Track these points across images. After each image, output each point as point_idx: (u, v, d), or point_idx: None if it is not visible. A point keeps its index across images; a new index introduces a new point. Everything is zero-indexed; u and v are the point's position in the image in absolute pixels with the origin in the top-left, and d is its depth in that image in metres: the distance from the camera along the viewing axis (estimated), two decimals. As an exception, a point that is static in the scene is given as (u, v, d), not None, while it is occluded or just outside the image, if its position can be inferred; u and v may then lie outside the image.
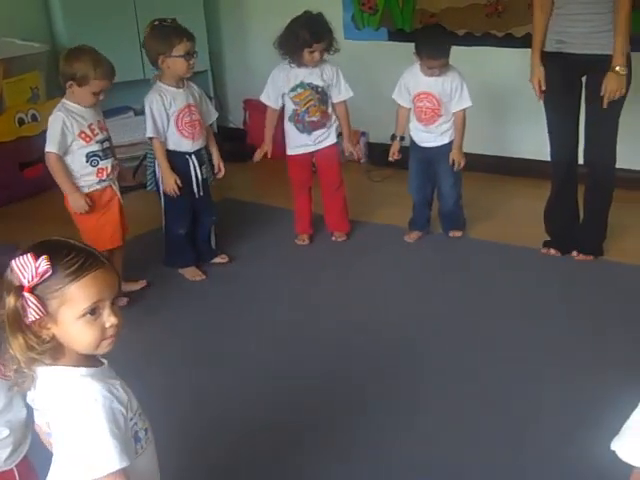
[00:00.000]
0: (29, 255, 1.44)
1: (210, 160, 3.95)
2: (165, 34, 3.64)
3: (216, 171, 3.96)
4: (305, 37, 3.89)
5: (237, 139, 5.89)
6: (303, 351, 3.23)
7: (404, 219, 4.32)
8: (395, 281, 3.85)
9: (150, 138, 3.73)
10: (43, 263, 1.43)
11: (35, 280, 1.43)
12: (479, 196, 4.62)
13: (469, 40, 5.01)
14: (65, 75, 3.43)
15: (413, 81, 4.07)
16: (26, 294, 1.43)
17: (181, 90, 3.73)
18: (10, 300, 1.45)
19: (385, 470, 2.52)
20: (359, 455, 2.59)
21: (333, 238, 4.33)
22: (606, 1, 3.48)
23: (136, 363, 2.86)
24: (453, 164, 4.08)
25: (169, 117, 3.70)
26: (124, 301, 3.41)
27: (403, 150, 4.23)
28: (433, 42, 3.96)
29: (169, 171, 3.71)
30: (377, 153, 5.51)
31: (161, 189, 3.80)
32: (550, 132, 3.82)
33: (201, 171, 3.83)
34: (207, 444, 2.65)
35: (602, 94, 3.52)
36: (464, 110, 4.07)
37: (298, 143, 4.15)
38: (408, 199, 4.30)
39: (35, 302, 1.43)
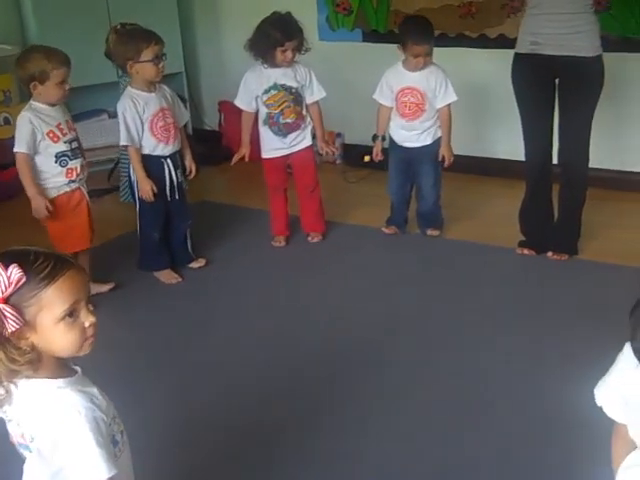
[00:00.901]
0: None
1: (183, 163, 3.94)
2: (131, 39, 3.61)
3: (187, 172, 3.93)
4: (276, 36, 3.88)
5: (212, 141, 5.88)
6: (280, 352, 3.23)
7: (380, 220, 4.33)
8: (371, 281, 3.85)
9: (125, 146, 3.71)
10: (15, 271, 1.41)
11: (9, 290, 1.41)
12: (456, 196, 4.63)
13: (443, 41, 5.01)
14: (24, 79, 3.42)
15: (396, 78, 4.09)
16: (1, 305, 1.40)
17: (153, 94, 3.70)
18: None
19: (358, 471, 2.52)
20: (328, 455, 2.58)
21: (309, 239, 4.33)
22: (579, 0, 3.50)
23: (108, 367, 2.85)
24: (440, 162, 4.10)
25: (143, 122, 3.67)
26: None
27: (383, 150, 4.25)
28: (418, 28, 3.98)
29: (145, 178, 3.68)
30: (352, 154, 5.52)
31: (136, 193, 3.78)
32: (524, 132, 3.84)
33: (176, 175, 3.81)
34: (181, 445, 2.64)
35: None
36: (449, 106, 4.07)
37: (273, 146, 4.14)
38: (383, 199, 4.30)
39: (12, 312, 1.41)
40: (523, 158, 3.93)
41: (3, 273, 1.40)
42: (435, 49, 5.07)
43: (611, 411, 1.61)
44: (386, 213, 4.32)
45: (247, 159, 4.15)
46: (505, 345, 3.21)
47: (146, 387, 2.99)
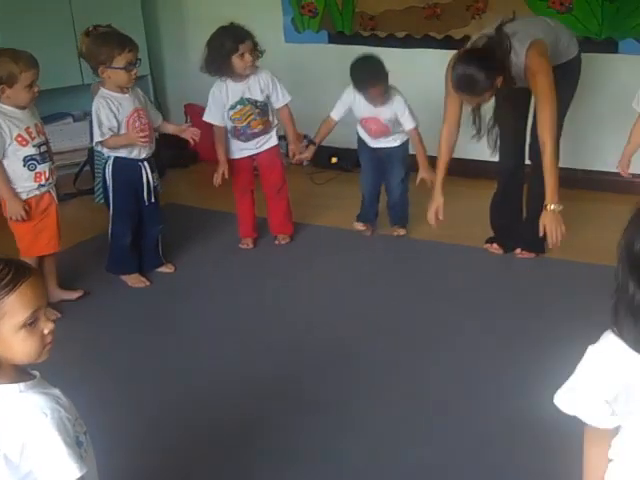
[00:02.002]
0: None
1: (158, 167, 3.92)
2: (105, 43, 3.57)
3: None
4: (228, 43, 3.85)
5: (179, 144, 5.82)
6: (249, 355, 3.22)
7: (348, 221, 4.34)
8: (340, 282, 3.85)
9: (99, 142, 3.64)
10: None
11: None
12: (423, 197, 4.64)
13: (408, 42, 5.05)
14: None
15: (358, 108, 4.10)
16: None
17: (127, 95, 3.67)
18: None
19: (332, 471, 2.52)
20: (294, 456, 2.58)
21: (277, 241, 4.32)
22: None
23: (72, 371, 2.83)
24: (403, 165, 4.15)
25: (119, 122, 3.64)
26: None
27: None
28: (369, 72, 3.98)
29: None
30: (320, 156, 5.52)
31: (110, 196, 3.74)
32: (500, 133, 3.86)
33: (152, 178, 3.79)
34: (149, 447, 2.63)
35: (541, 233, 3.53)
36: (416, 128, 4.10)
37: (239, 147, 4.14)
38: (351, 201, 4.31)
39: None
40: (489, 158, 3.95)
41: None
42: (400, 50, 5.10)
43: (591, 417, 1.52)
44: (354, 214, 4.33)
45: (227, 176, 4.11)
46: (474, 345, 3.23)
47: (114, 391, 2.97)
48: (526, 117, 3.77)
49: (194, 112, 5.79)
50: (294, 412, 2.81)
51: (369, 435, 2.68)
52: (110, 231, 3.84)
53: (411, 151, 4.29)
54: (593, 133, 4.80)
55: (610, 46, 4.56)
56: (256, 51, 3.94)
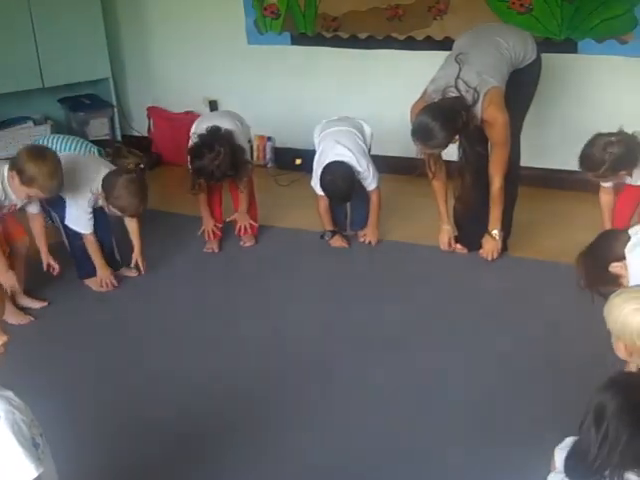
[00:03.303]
0: None
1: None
2: None
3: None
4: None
5: (142, 147, 5.79)
6: (216, 359, 3.20)
7: (312, 222, 4.33)
8: (306, 284, 3.85)
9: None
10: None
11: None
12: (390, 198, 4.66)
13: (371, 43, 5.06)
14: None
15: (323, 157, 4.13)
16: None
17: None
18: None
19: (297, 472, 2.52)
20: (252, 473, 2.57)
21: (241, 243, 4.31)
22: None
23: (33, 376, 2.81)
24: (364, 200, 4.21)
25: None
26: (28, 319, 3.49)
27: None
28: (340, 194, 4.10)
29: (104, 266, 3.75)
30: (284, 157, 5.52)
31: (53, 215, 3.73)
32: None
33: None
34: (111, 452, 2.61)
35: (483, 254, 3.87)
36: (377, 191, 4.19)
37: None
38: (314, 202, 4.30)
39: None
40: (454, 158, 3.97)
41: None
42: (363, 51, 5.11)
43: None
44: (318, 215, 4.32)
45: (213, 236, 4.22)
46: (441, 344, 3.25)
47: (77, 395, 2.94)
48: None
49: (157, 115, 5.77)
50: (256, 416, 2.81)
51: (332, 435, 2.69)
52: (66, 241, 3.84)
53: (403, 154, 4.27)
54: (554, 132, 4.85)
55: (570, 46, 4.61)
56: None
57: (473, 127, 3.55)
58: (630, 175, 3.41)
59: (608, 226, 3.50)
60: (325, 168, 4.05)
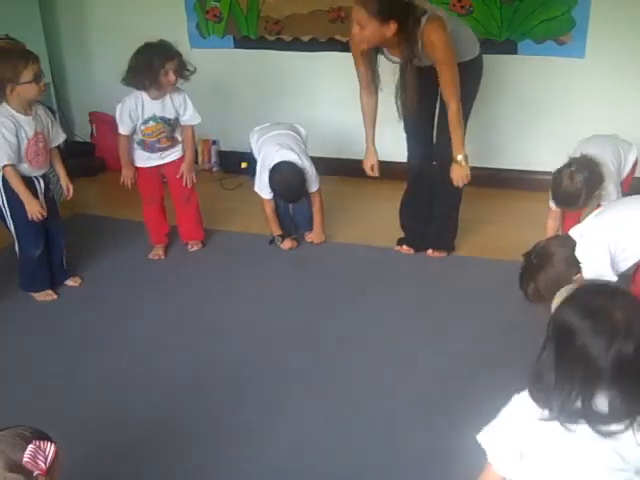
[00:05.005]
0: None
1: (58, 180, 3.81)
2: (8, 60, 3.42)
3: (65, 193, 3.81)
4: (156, 59, 3.79)
5: (85, 153, 5.73)
6: (160, 368, 3.16)
7: (259, 226, 4.32)
8: (254, 288, 3.83)
9: (4, 166, 3.50)
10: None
11: None
12: (339, 199, 4.68)
13: (314, 46, 5.07)
14: None
15: (269, 160, 4.11)
16: None
17: (30, 117, 3.53)
18: None
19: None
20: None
21: (189, 247, 4.28)
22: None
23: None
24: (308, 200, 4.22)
25: (20, 145, 3.51)
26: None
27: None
28: (287, 192, 4.10)
29: (32, 199, 3.54)
30: (229, 161, 5.50)
31: (7, 217, 3.63)
32: (407, 133, 3.92)
33: (48, 191, 3.69)
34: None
35: (454, 183, 3.71)
36: (317, 192, 4.18)
37: (144, 156, 4.07)
38: (261, 206, 4.29)
39: None
40: (404, 159, 4.00)
41: None
42: (306, 54, 5.13)
43: (500, 465, 1.64)
44: (264, 219, 4.31)
45: (134, 180, 4.07)
46: (389, 344, 3.26)
47: (16, 407, 2.86)
48: (432, 119, 3.82)
49: (100, 120, 5.70)
50: (200, 426, 2.78)
51: (275, 444, 2.69)
52: (18, 250, 3.72)
53: (344, 156, 4.30)
54: (496, 132, 4.92)
55: (510, 47, 4.68)
56: (184, 70, 3.90)
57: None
58: (602, 190, 3.45)
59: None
60: (274, 168, 4.05)
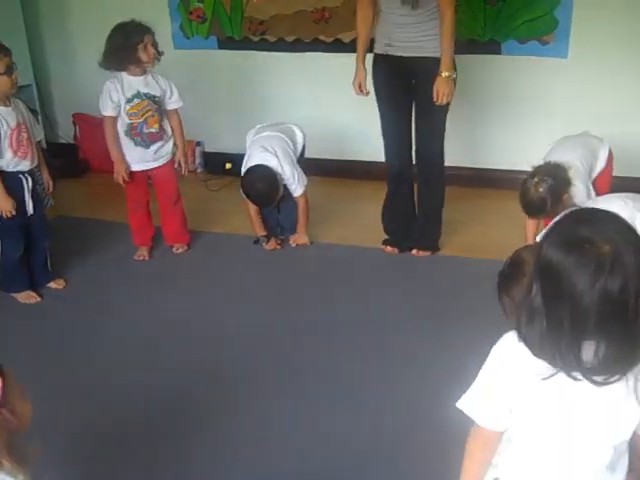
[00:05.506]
0: None
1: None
2: None
3: (52, 201, 3.79)
4: (132, 35, 3.81)
5: (68, 154, 5.70)
6: (140, 374, 3.14)
7: (244, 227, 4.32)
8: (240, 289, 3.82)
9: None
10: None
11: None
12: (322, 200, 4.68)
13: (298, 46, 5.07)
14: None
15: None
16: None
17: (10, 108, 3.52)
18: None
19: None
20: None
21: (174, 250, 4.26)
22: (427, 11, 3.59)
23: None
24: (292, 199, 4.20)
25: (2, 138, 3.49)
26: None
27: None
28: (258, 196, 4.09)
29: (5, 195, 3.52)
30: (213, 162, 5.49)
31: None
32: (384, 134, 3.92)
33: (35, 191, 3.66)
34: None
35: (434, 98, 3.65)
36: (304, 195, 4.18)
37: (135, 159, 4.03)
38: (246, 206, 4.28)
39: None
40: (384, 159, 4.01)
41: None
42: (291, 54, 5.12)
43: (486, 419, 1.55)
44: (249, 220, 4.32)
45: (127, 178, 4.01)
46: (373, 343, 3.26)
47: None
48: (409, 118, 3.83)
49: (83, 121, 5.67)
50: (183, 426, 2.77)
51: (262, 441, 2.68)
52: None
53: (333, 156, 4.32)
54: (480, 132, 4.94)
55: (493, 47, 4.70)
56: (157, 46, 3.90)
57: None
58: (571, 195, 3.47)
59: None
60: (247, 171, 4.06)
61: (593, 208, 1.49)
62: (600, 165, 3.70)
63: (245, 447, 2.65)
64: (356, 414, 2.80)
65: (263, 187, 4.02)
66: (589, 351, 1.36)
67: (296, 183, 4.12)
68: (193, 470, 2.55)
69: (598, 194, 3.54)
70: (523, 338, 1.43)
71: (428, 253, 4.07)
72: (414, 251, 4.07)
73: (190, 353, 3.25)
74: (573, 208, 1.57)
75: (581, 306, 1.32)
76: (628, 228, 1.36)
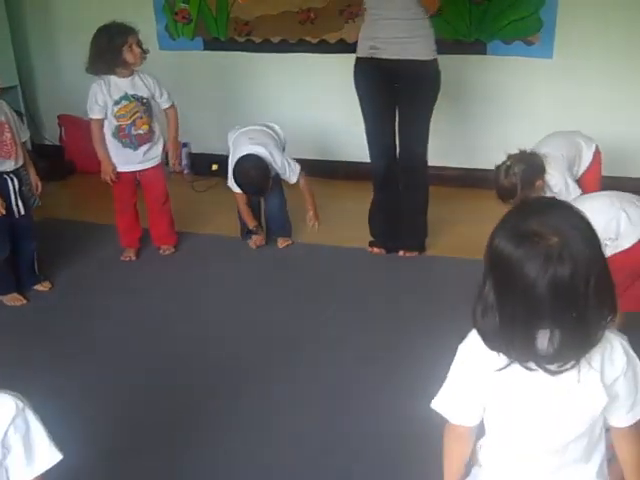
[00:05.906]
0: None
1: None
2: None
3: (38, 201, 3.77)
4: (116, 36, 3.80)
5: (54, 156, 5.68)
6: (127, 374, 3.13)
7: (230, 228, 4.31)
8: (227, 291, 3.82)
9: None
10: None
11: None
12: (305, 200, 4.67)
13: (284, 47, 5.07)
14: None
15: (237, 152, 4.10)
16: None
17: None
18: None
19: None
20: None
21: (161, 251, 4.25)
22: (414, 7, 3.60)
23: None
24: (280, 189, 4.20)
25: None
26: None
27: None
28: (251, 186, 4.05)
29: None
30: (200, 163, 5.48)
31: None
32: (368, 136, 3.92)
33: (21, 191, 3.64)
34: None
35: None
36: (300, 180, 4.14)
37: (123, 160, 4.01)
38: (233, 207, 4.27)
39: None
40: (369, 160, 4.01)
41: None
42: (277, 55, 5.12)
43: (461, 418, 1.58)
44: (236, 221, 4.30)
45: (114, 175, 4.00)
46: (360, 345, 3.26)
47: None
48: (393, 116, 3.84)
49: (69, 122, 5.65)
50: (167, 426, 2.77)
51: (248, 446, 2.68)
52: None
53: (319, 157, 4.32)
54: (466, 132, 4.95)
55: (479, 47, 4.71)
56: (141, 45, 3.90)
57: None
58: (546, 182, 3.47)
59: None
60: (238, 161, 4.03)
61: (543, 197, 1.54)
62: (585, 162, 3.70)
63: (243, 446, 2.64)
64: (344, 414, 2.80)
65: (257, 175, 3.98)
66: (544, 340, 1.38)
67: (288, 171, 4.10)
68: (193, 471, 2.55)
69: (585, 192, 3.55)
70: (479, 330, 1.47)
71: (415, 253, 4.08)
72: (401, 252, 4.08)
73: (176, 354, 3.24)
74: (526, 199, 1.58)
75: (533, 296, 1.34)
76: (578, 217, 1.39)
